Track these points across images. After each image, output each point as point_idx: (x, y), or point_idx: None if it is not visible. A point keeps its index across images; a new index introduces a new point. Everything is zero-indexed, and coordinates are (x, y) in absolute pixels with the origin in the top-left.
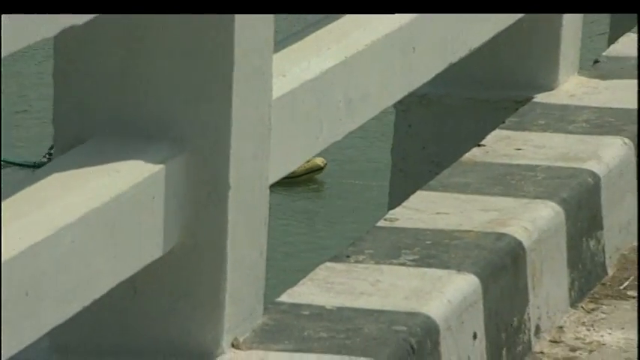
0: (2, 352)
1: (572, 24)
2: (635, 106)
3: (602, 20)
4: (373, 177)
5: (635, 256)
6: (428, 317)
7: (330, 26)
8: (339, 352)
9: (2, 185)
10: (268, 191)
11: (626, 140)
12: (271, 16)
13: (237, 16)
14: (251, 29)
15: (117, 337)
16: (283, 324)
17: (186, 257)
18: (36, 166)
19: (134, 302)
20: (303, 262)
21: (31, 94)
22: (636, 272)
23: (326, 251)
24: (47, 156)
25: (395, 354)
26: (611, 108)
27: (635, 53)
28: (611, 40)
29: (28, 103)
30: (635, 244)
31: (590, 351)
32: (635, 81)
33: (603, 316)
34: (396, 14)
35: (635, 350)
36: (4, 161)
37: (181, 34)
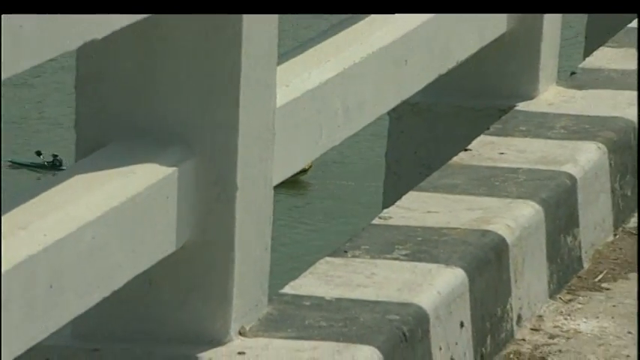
0: (30, 339)
1: (550, 38)
2: (609, 114)
3: (573, 26)
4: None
5: (608, 252)
6: (419, 307)
7: (328, 40)
8: (337, 340)
9: (22, 185)
10: (273, 192)
11: (600, 145)
12: (275, 30)
13: (245, 31)
14: (256, 44)
15: (133, 325)
16: (286, 314)
17: (197, 252)
18: (45, 167)
19: (149, 293)
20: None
21: (47, 101)
22: (610, 266)
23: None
24: (53, 159)
25: (389, 341)
26: (586, 115)
27: (608, 65)
28: (587, 52)
29: (39, 110)
30: (610, 239)
31: (568, 338)
32: (609, 91)
33: (579, 306)
34: (387, 28)
35: (609, 338)
36: (16, 163)
37: (193, 49)
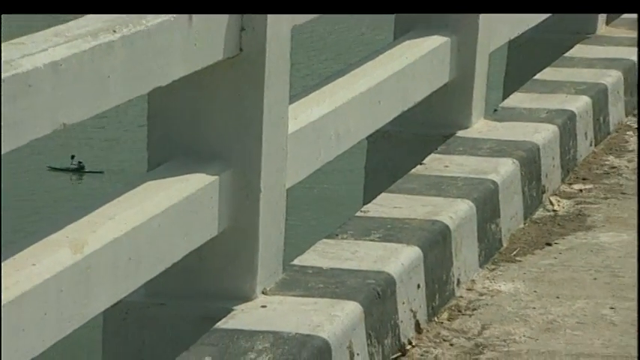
0: (115, 296)
1: (480, 86)
2: (520, 139)
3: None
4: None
5: (520, 235)
6: (388, 274)
7: (325, 87)
8: (331, 297)
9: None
10: (286, 193)
11: (514, 160)
12: (287, 80)
13: (266, 82)
14: (274, 91)
15: (188, 287)
16: (295, 279)
17: (232, 236)
18: (72, 170)
19: (199, 265)
20: None
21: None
22: (521, 245)
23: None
24: (75, 163)
25: (367, 298)
26: (505, 140)
27: (520, 105)
28: (505, 96)
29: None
30: (521, 226)
31: (492, 296)
32: (520, 122)
33: (500, 273)
34: (366, 79)
35: (521, 295)
36: (50, 167)
37: (229, 94)
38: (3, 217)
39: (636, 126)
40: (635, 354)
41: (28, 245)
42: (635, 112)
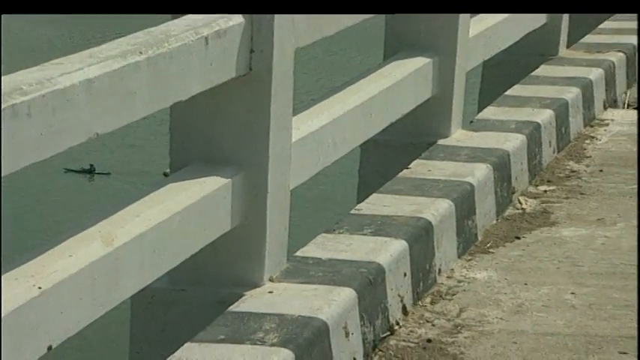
0: (142, 283)
1: (458, 101)
2: (493, 146)
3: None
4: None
5: (493, 230)
6: (379, 264)
7: (323, 102)
8: (329, 284)
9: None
10: (290, 193)
11: (488, 165)
12: (291, 97)
13: (272, 98)
14: (279, 105)
15: (205, 275)
16: (298, 268)
17: (243, 231)
18: (85, 172)
19: (215, 256)
20: None
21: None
22: (494, 239)
23: None
24: (90, 167)
25: (360, 284)
26: (479, 147)
27: (492, 117)
28: (479, 109)
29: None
30: (494, 222)
31: (469, 282)
32: (493, 132)
33: (475, 263)
34: (359, 94)
35: (493, 282)
36: (68, 169)
37: (241, 108)
38: (26, 211)
39: (593, 135)
40: (594, 333)
41: (65, 239)
42: (592, 122)
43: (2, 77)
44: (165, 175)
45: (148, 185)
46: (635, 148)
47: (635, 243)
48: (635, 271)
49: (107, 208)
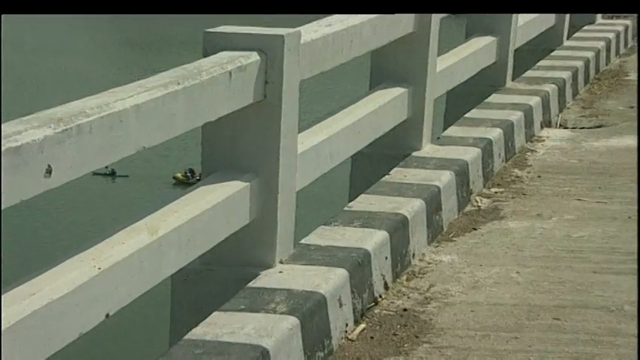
0: (178, 265)
1: (427, 120)
2: (456, 157)
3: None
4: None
5: (455, 223)
6: (366, 250)
7: (322, 122)
8: (327, 265)
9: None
10: (295, 194)
11: (451, 172)
12: (297, 116)
13: (282, 116)
14: (287, 123)
15: (229, 257)
16: (302, 253)
17: (259, 223)
18: (107, 175)
19: (236, 243)
20: None
21: None
22: (456, 230)
23: None
24: (111, 170)
25: (351, 265)
26: (445, 158)
27: (455, 135)
28: (445, 127)
29: None
30: (456, 217)
31: (436, 264)
32: (455, 147)
33: (442, 249)
34: (350, 116)
35: (455, 263)
36: (94, 172)
37: (258, 125)
38: (64, 207)
39: (533, 148)
40: (533, 303)
41: (117, 231)
42: (532, 139)
43: (71, 102)
44: (175, 178)
45: (159, 186)
46: (566, 159)
47: (566, 232)
48: (567, 255)
49: (151, 206)
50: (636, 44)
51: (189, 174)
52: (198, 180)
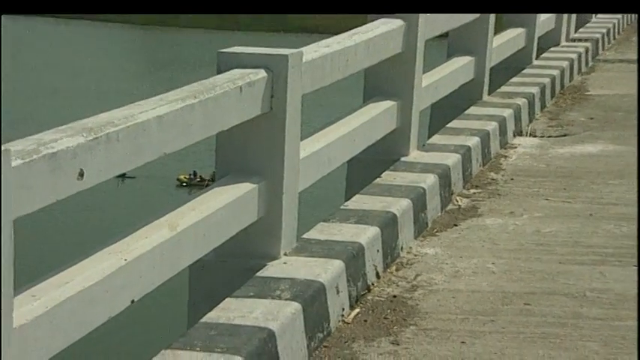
0: (195, 256)
1: (414, 130)
2: (439, 162)
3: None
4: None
5: (438, 220)
6: (360, 243)
7: (320, 132)
8: (326, 257)
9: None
10: (298, 195)
11: (435, 175)
12: (299, 125)
13: (286, 125)
14: (291, 133)
15: (239, 249)
16: (304, 246)
17: (266, 220)
18: (119, 176)
19: (246, 237)
20: None
21: None
22: (439, 227)
23: None
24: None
25: (347, 257)
26: (430, 163)
27: (438, 142)
28: (430, 135)
29: None
30: (439, 215)
31: (422, 256)
32: (438, 153)
33: (427, 242)
34: (346, 125)
35: (439, 255)
36: None
37: (265, 134)
38: (77, 206)
39: (506, 154)
40: (507, 290)
41: (140, 227)
42: (505, 146)
43: (100, 114)
44: (179, 180)
45: (164, 187)
46: (535, 164)
47: (536, 228)
48: (536, 248)
49: (170, 205)
50: (636, 44)
51: (192, 176)
52: (200, 182)
